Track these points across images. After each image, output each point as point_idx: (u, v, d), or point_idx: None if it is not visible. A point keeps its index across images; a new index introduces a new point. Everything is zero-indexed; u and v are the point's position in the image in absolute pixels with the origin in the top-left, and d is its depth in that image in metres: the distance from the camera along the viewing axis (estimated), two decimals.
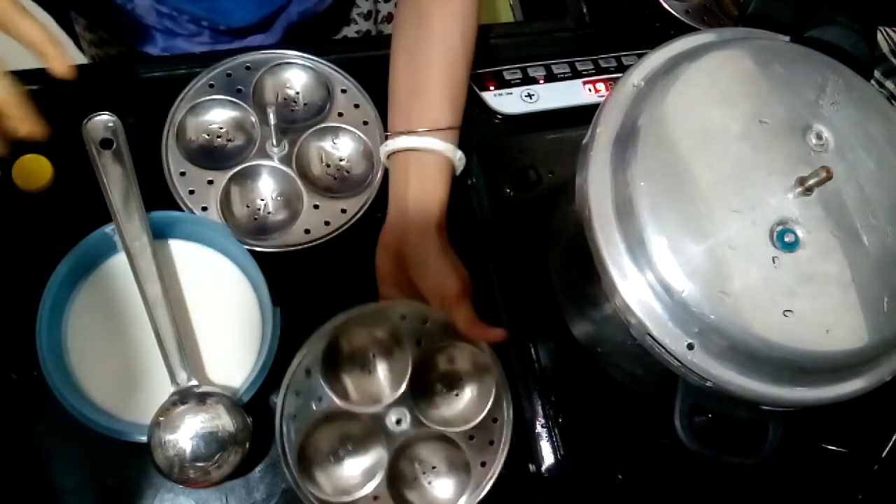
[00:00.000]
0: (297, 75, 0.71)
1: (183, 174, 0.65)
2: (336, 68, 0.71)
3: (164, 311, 0.56)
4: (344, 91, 0.71)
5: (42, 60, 0.52)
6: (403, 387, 0.58)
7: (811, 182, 0.47)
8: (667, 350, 0.48)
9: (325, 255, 0.66)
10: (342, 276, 0.67)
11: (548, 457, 0.61)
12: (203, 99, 0.68)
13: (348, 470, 0.59)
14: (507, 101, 0.75)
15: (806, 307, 0.46)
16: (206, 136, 0.68)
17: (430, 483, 0.60)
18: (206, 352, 0.60)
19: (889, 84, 0.78)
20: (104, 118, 0.59)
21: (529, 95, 0.76)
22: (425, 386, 0.61)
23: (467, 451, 0.58)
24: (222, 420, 0.55)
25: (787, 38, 0.57)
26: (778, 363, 0.47)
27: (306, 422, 0.57)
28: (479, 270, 0.68)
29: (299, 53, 0.71)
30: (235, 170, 0.66)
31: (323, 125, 0.69)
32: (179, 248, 0.63)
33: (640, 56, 0.56)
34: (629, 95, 0.53)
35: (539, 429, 0.62)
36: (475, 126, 0.75)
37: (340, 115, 0.70)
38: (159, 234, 0.62)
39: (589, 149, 0.52)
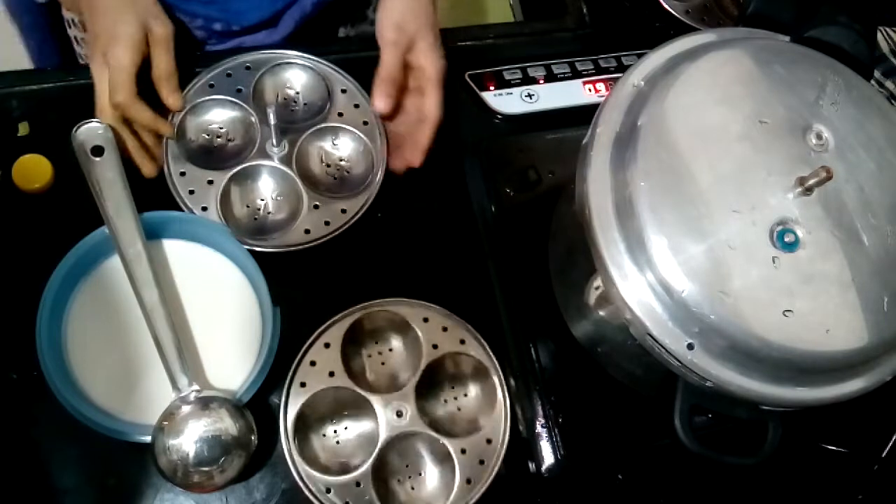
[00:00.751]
0: (297, 75, 0.71)
1: (183, 174, 0.65)
2: (336, 68, 0.71)
3: (162, 317, 0.56)
4: (344, 91, 0.71)
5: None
6: (412, 383, 0.59)
7: (811, 182, 0.47)
8: (667, 350, 0.48)
9: (325, 255, 0.66)
10: (342, 276, 0.67)
11: (548, 457, 0.61)
12: (203, 99, 0.68)
13: (339, 447, 0.60)
14: (507, 101, 0.75)
15: (806, 307, 0.46)
16: (206, 136, 0.68)
17: (412, 485, 0.60)
18: (206, 352, 0.60)
19: (889, 84, 0.78)
20: (94, 125, 0.59)
21: (529, 95, 0.76)
22: (431, 388, 0.61)
23: (457, 463, 0.58)
24: (225, 424, 0.55)
25: (787, 38, 0.57)
26: (778, 363, 0.47)
27: (313, 389, 0.58)
28: (479, 270, 0.68)
29: (299, 54, 0.71)
30: (235, 170, 0.66)
31: (323, 125, 0.69)
32: (179, 249, 0.63)
33: (640, 56, 0.56)
34: (629, 95, 0.53)
35: (539, 429, 0.62)
36: (475, 126, 0.75)
37: (340, 114, 0.70)
38: (158, 234, 0.62)
39: (589, 149, 0.52)
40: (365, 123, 0.70)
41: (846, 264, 0.47)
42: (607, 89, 0.77)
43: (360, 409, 0.60)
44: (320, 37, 0.85)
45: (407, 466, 0.60)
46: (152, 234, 0.61)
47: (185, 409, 0.55)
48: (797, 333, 0.46)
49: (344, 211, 0.66)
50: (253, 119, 0.68)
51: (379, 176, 0.68)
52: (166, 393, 0.56)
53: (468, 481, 0.58)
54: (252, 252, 0.62)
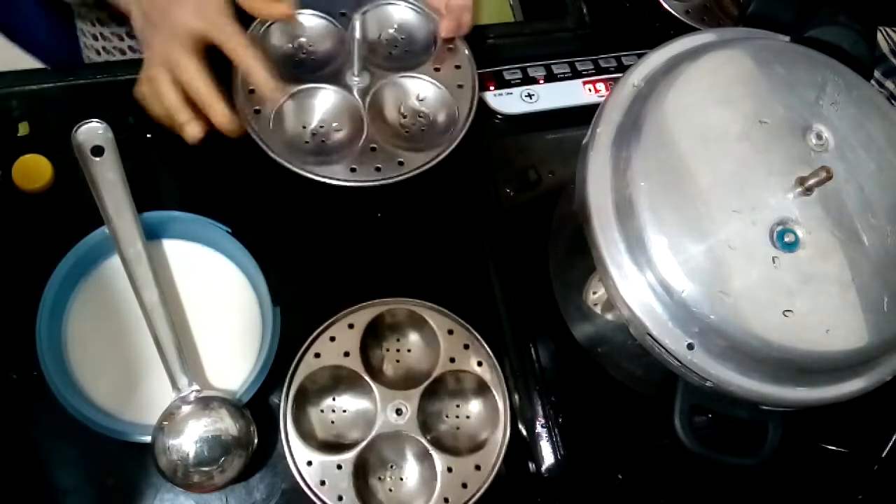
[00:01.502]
0: (406, 18, 0.69)
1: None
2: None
3: (162, 317, 0.56)
4: (451, 49, 0.68)
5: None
6: (421, 388, 0.59)
7: (811, 182, 0.47)
8: (667, 350, 0.48)
9: (326, 254, 0.66)
10: (342, 275, 0.67)
11: (548, 457, 0.61)
12: (304, 11, 0.67)
13: (334, 425, 0.60)
14: (507, 101, 0.75)
15: (806, 307, 0.46)
16: (292, 46, 0.67)
17: (391, 486, 0.59)
18: (206, 352, 0.60)
19: (889, 84, 0.78)
20: (94, 125, 0.59)
21: (529, 95, 0.76)
22: (436, 397, 0.61)
23: (438, 481, 0.57)
24: (225, 424, 0.55)
25: (787, 38, 0.57)
26: (778, 363, 0.47)
27: (323, 363, 0.59)
28: (479, 270, 0.68)
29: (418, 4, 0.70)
30: (304, 87, 0.64)
31: (413, 74, 0.67)
32: (179, 249, 0.63)
33: (640, 56, 0.56)
34: (629, 95, 0.53)
35: (539, 429, 0.62)
36: (475, 126, 0.75)
37: (437, 69, 0.67)
38: (158, 234, 0.62)
39: (589, 149, 0.52)
40: (459, 87, 0.67)
41: (846, 264, 0.47)
42: (607, 89, 0.77)
43: (364, 395, 0.60)
44: None
45: (391, 467, 0.60)
46: (152, 234, 0.61)
47: (186, 409, 0.55)
48: (797, 333, 0.46)
49: (401, 163, 0.63)
50: (345, 42, 0.66)
51: (448, 149, 0.64)
52: (166, 393, 0.56)
53: (446, 500, 0.57)
54: (252, 251, 0.61)
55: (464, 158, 0.73)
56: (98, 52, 0.85)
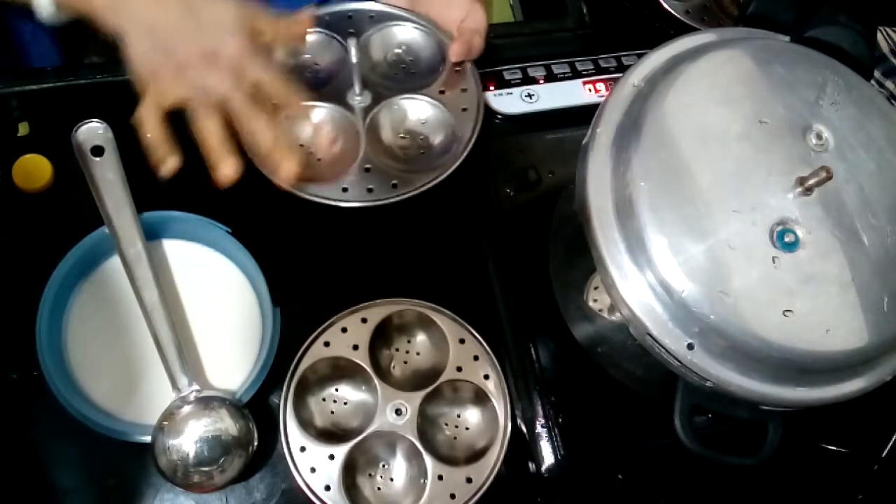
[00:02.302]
0: (412, 39, 0.69)
1: None
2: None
3: (162, 317, 0.56)
4: (458, 71, 0.68)
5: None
6: (423, 392, 0.59)
7: (811, 182, 0.47)
8: (667, 350, 0.48)
9: (326, 254, 0.66)
10: (342, 275, 0.67)
11: (548, 457, 0.61)
12: (315, 30, 0.67)
13: (331, 416, 0.60)
14: (507, 101, 0.75)
15: (806, 307, 0.46)
16: (296, 63, 0.67)
17: (379, 485, 0.59)
18: (206, 352, 0.60)
19: (889, 84, 0.78)
20: (94, 125, 0.59)
21: (529, 95, 0.76)
22: (437, 403, 0.61)
23: (429, 483, 0.57)
24: (225, 424, 0.55)
25: (787, 38, 0.57)
26: (778, 363, 0.47)
27: (332, 353, 0.60)
28: (479, 270, 0.68)
29: (423, 21, 0.69)
30: (305, 104, 0.62)
31: (420, 97, 0.66)
32: (179, 249, 0.63)
33: (640, 56, 0.56)
34: (629, 95, 0.53)
35: (539, 429, 0.62)
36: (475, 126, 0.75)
37: (442, 92, 0.67)
38: (158, 234, 0.62)
39: (589, 149, 0.52)
40: (464, 110, 0.66)
41: (846, 264, 0.47)
42: (607, 89, 0.77)
43: (366, 390, 0.61)
44: None
45: (383, 465, 0.60)
46: (152, 234, 0.61)
47: (186, 409, 0.55)
48: (797, 333, 0.46)
49: (394, 185, 0.62)
50: (349, 62, 0.65)
51: (445, 173, 0.63)
52: (166, 393, 0.56)
53: (452, 497, 0.57)
54: (251, 252, 0.61)
55: (464, 159, 0.73)
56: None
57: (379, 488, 0.59)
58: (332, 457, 0.57)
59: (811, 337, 0.46)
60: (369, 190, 0.62)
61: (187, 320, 0.61)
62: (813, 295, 0.47)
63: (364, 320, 0.61)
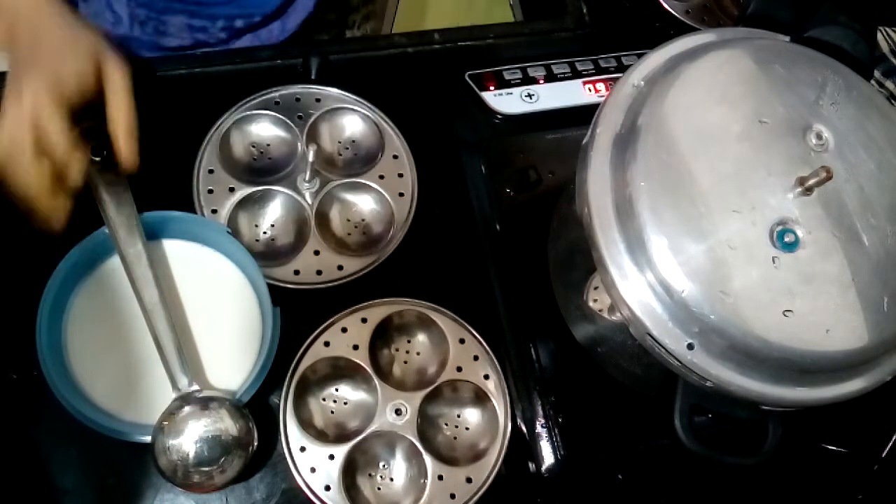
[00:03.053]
0: (357, 126, 0.71)
1: (211, 171, 0.65)
2: (398, 131, 0.70)
3: (161, 316, 0.56)
4: (395, 157, 0.69)
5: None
6: (423, 392, 0.60)
7: (811, 182, 0.47)
8: (667, 350, 0.48)
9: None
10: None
11: (548, 457, 0.61)
12: (263, 112, 0.68)
13: (331, 416, 0.61)
14: (507, 101, 0.75)
15: (806, 307, 0.46)
16: (252, 149, 0.69)
17: (379, 485, 0.60)
18: (206, 352, 0.60)
19: (889, 84, 0.78)
20: (94, 126, 0.59)
21: (529, 95, 0.76)
22: (437, 403, 0.62)
23: (429, 483, 0.57)
24: (225, 424, 0.55)
25: (787, 38, 0.57)
26: (778, 363, 0.47)
27: (332, 353, 0.60)
28: (480, 270, 0.68)
29: (371, 107, 0.71)
30: (259, 189, 0.65)
31: (361, 181, 0.68)
32: (179, 249, 0.63)
33: (640, 56, 0.56)
34: (629, 95, 0.53)
35: (539, 429, 0.62)
36: (475, 126, 0.75)
37: (381, 177, 0.68)
38: (158, 234, 0.62)
39: (589, 149, 0.52)
40: (401, 195, 0.68)
41: (846, 264, 0.47)
42: (607, 89, 0.77)
43: (366, 390, 0.61)
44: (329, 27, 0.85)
45: (383, 465, 0.60)
46: (152, 234, 0.61)
47: (186, 409, 0.55)
48: (797, 333, 0.46)
49: (340, 268, 0.64)
50: (299, 148, 0.67)
51: (384, 256, 0.65)
52: (166, 393, 0.56)
53: (452, 496, 0.58)
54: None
55: (464, 159, 0.73)
56: None
57: (379, 488, 0.59)
58: (332, 457, 0.57)
59: (811, 337, 0.46)
60: (318, 272, 0.64)
61: (187, 321, 0.61)
62: (813, 295, 0.47)
63: (364, 320, 0.61)
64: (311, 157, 0.64)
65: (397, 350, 0.64)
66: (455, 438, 0.61)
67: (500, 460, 0.58)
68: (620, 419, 0.63)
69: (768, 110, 0.50)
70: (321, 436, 0.58)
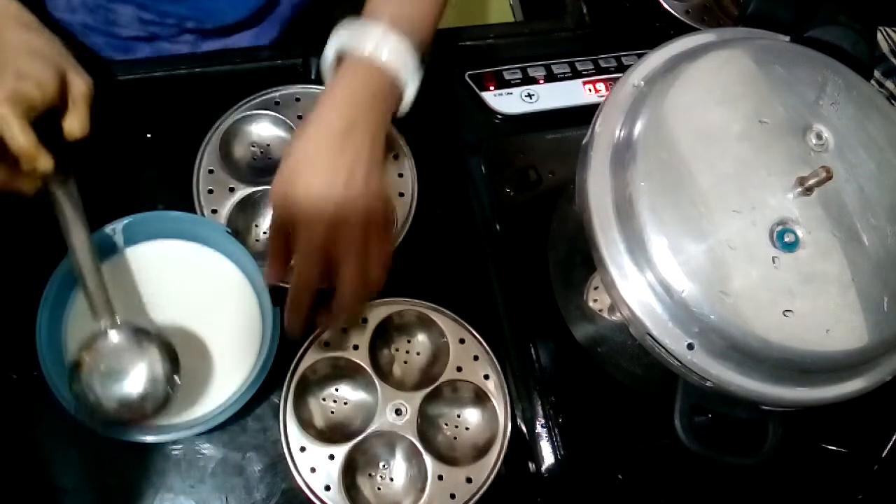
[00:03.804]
0: None
1: (211, 172, 0.65)
2: (397, 131, 0.69)
3: (87, 256, 0.54)
4: (396, 157, 0.69)
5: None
6: (423, 392, 0.59)
7: (811, 182, 0.47)
8: (667, 350, 0.48)
9: None
10: None
11: (548, 457, 0.61)
12: (263, 112, 0.68)
13: (331, 416, 0.60)
14: (507, 101, 0.75)
15: (806, 307, 0.46)
16: (253, 149, 0.69)
17: (379, 485, 0.60)
18: (206, 352, 0.60)
19: (889, 84, 0.78)
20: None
21: (529, 95, 0.76)
22: (437, 403, 0.62)
23: (429, 483, 0.57)
24: (150, 355, 0.54)
25: (787, 38, 0.57)
26: (778, 363, 0.47)
27: (331, 353, 0.60)
28: (480, 270, 0.69)
29: None
30: (259, 189, 0.65)
31: None
32: (179, 249, 0.63)
33: (640, 56, 0.56)
34: (629, 95, 0.53)
35: (539, 429, 0.62)
36: (475, 126, 0.75)
37: None
38: (159, 233, 0.62)
39: (589, 149, 0.52)
40: (401, 195, 0.68)
41: (846, 264, 0.47)
42: (607, 89, 0.77)
43: (366, 390, 0.61)
44: (319, 31, 0.85)
45: (383, 465, 0.60)
46: (153, 235, 0.61)
47: (110, 339, 0.54)
48: (797, 333, 0.46)
49: None
50: None
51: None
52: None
53: (451, 496, 0.58)
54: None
55: (464, 159, 0.73)
56: None
57: (379, 488, 0.59)
58: (332, 457, 0.57)
59: (811, 337, 0.46)
60: None
61: (188, 319, 0.61)
62: (813, 295, 0.47)
63: (364, 320, 0.61)
64: None
65: (397, 350, 0.64)
66: (455, 438, 0.61)
67: (500, 460, 0.58)
68: (620, 419, 0.63)
69: (768, 110, 0.50)
70: (321, 436, 0.58)
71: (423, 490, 0.57)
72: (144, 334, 0.55)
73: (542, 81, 0.77)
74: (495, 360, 0.61)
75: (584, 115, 0.57)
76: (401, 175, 0.69)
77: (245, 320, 0.61)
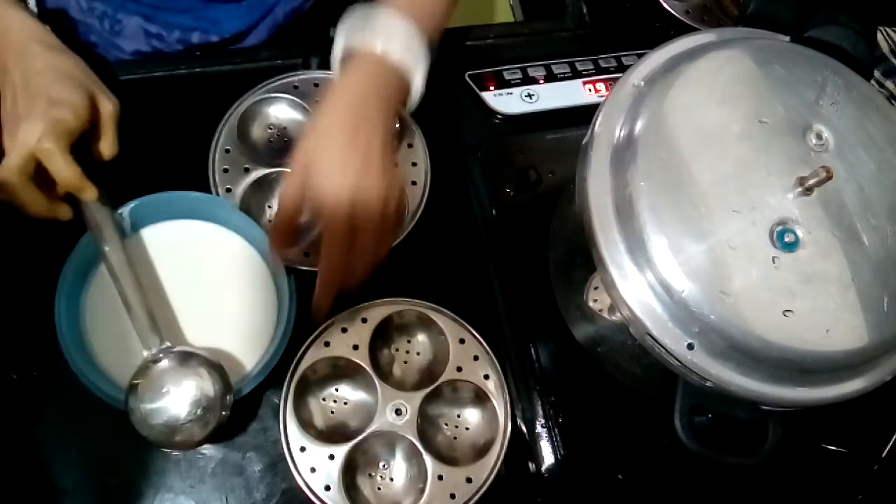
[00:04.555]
0: None
1: (227, 151, 0.65)
2: (412, 120, 0.69)
3: (129, 278, 0.55)
4: (410, 146, 0.69)
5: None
6: (423, 392, 0.59)
7: (811, 182, 0.47)
8: (667, 350, 0.48)
9: None
10: None
11: (548, 457, 0.61)
12: (281, 95, 0.68)
13: (331, 416, 0.60)
14: (507, 101, 0.75)
15: (806, 307, 0.46)
16: (269, 131, 0.69)
17: (380, 485, 0.60)
18: (223, 328, 0.60)
19: (889, 84, 0.78)
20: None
21: (529, 95, 0.76)
22: (437, 403, 0.62)
23: (429, 483, 0.57)
24: (203, 381, 0.54)
25: (787, 38, 0.57)
26: (778, 363, 0.47)
27: (332, 353, 0.60)
28: (480, 270, 0.69)
29: None
30: (274, 170, 0.65)
31: None
32: (191, 228, 0.63)
33: (640, 56, 0.56)
34: (629, 95, 0.53)
35: (539, 429, 0.62)
36: (475, 126, 0.75)
37: (395, 164, 0.66)
38: (171, 214, 0.62)
39: (589, 149, 0.52)
40: (413, 183, 0.68)
41: (846, 264, 0.47)
42: (607, 89, 0.77)
43: (366, 390, 0.61)
44: (304, 38, 0.85)
45: (383, 465, 0.60)
46: (164, 216, 0.62)
47: (161, 364, 0.54)
48: (797, 333, 0.46)
49: None
50: None
51: (393, 243, 0.64)
52: None
53: (451, 496, 0.57)
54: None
55: (464, 159, 0.73)
56: None
57: (379, 488, 0.59)
58: (332, 457, 0.57)
59: (811, 337, 0.46)
60: None
61: (203, 298, 0.61)
62: (813, 295, 0.47)
63: (364, 320, 0.61)
64: None
65: (397, 350, 0.64)
66: (455, 438, 0.61)
67: (500, 460, 0.58)
68: (620, 419, 0.63)
69: (768, 110, 0.50)
70: (321, 436, 0.58)
71: (423, 490, 0.57)
72: (194, 357, 0.55)
73: (542, 81, 0.77)
74: (495, 360, 0.61)
75: (584, 115, 0.57)
76: (414, 164, 0.68)
77: (260, 295, 0.61)
